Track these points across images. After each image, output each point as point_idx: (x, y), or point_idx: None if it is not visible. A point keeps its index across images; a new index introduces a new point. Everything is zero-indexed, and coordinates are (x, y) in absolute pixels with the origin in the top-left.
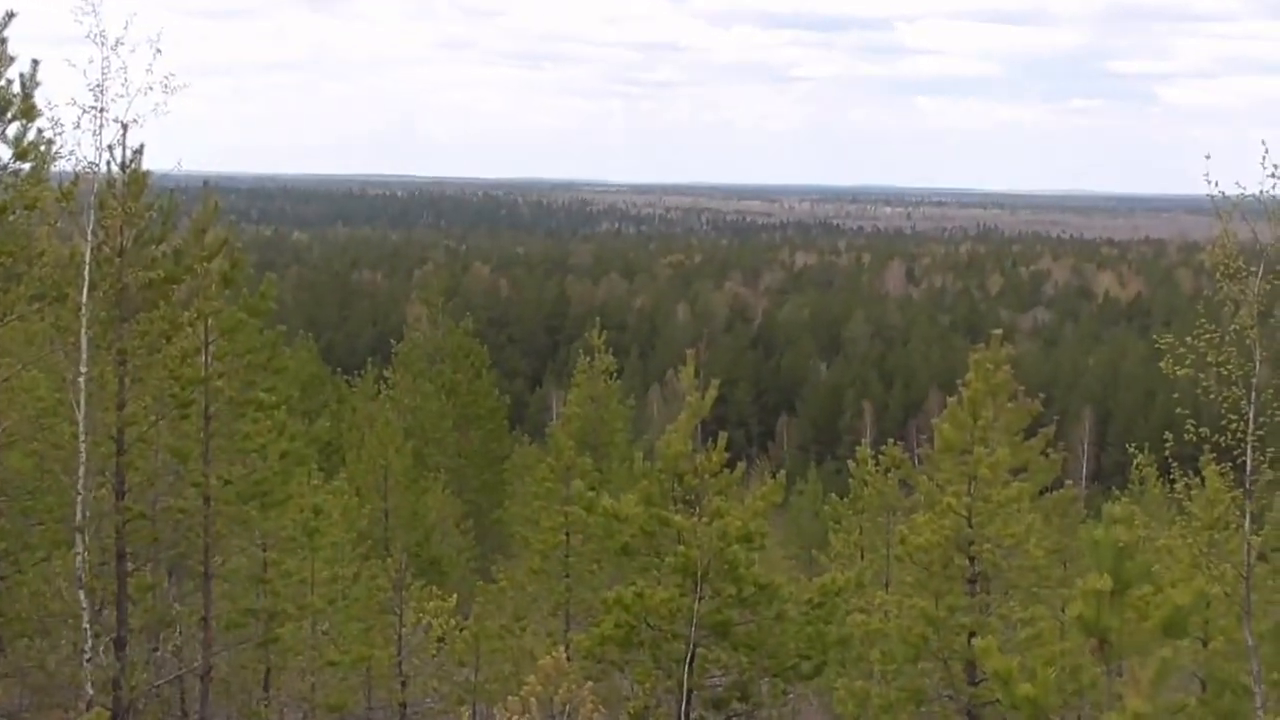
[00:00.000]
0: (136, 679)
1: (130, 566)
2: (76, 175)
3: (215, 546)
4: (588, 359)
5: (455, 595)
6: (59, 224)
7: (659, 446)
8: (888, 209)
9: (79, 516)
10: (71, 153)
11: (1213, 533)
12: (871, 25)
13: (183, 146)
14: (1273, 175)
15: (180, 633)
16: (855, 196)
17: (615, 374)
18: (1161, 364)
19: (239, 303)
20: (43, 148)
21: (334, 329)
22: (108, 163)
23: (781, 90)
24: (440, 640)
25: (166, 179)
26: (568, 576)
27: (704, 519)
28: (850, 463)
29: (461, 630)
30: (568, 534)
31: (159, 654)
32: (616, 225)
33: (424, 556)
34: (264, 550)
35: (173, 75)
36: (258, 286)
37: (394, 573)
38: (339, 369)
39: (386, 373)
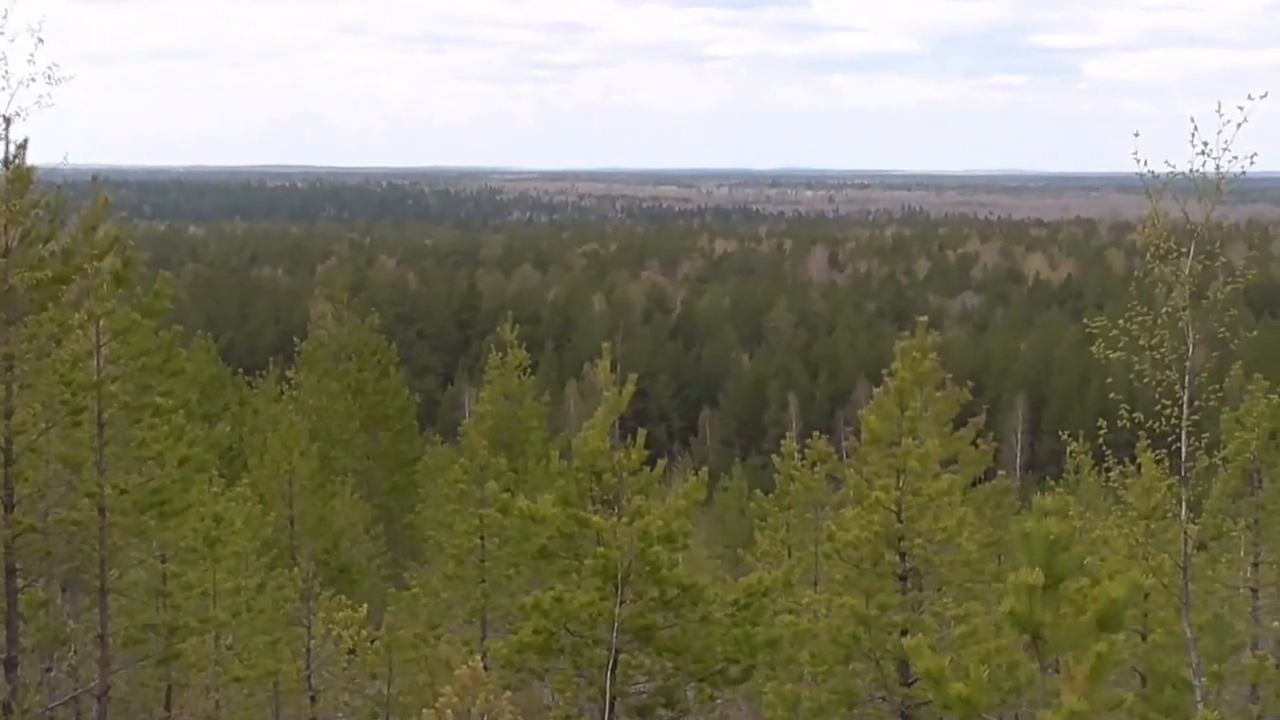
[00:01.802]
0: (29, 701)
1: (21, 583)
2: None
3: (111, 559)
4: (500, 354)
5: (366, 604)
6: None
7: (576, 444)
8: (809, 193)
9: None
10: None
11: (1149, 522)
12: (787, 1)
13: (70, 140)
14: (1203, 153)
15: (75, 651)
16: (775, 180)
17: (529, 369)
18: (1093, 348)
19: (132, 303)
20: None
21: (233, 328)
22: None
23: (695, 71)
24: (351, 652)
25: (53, 174)
26: (483, 582)
27: (624, 519)
28: (775, 457)
29: (373, 641)
30: (483, 537)
31: (53, 674)
32: (528, 214)
33: (332, 564)
34: (163, 562)
35: (57, 65)
36: (152, 285)
37: (301, 582)
38: (239, 370)
39: (290, 373)
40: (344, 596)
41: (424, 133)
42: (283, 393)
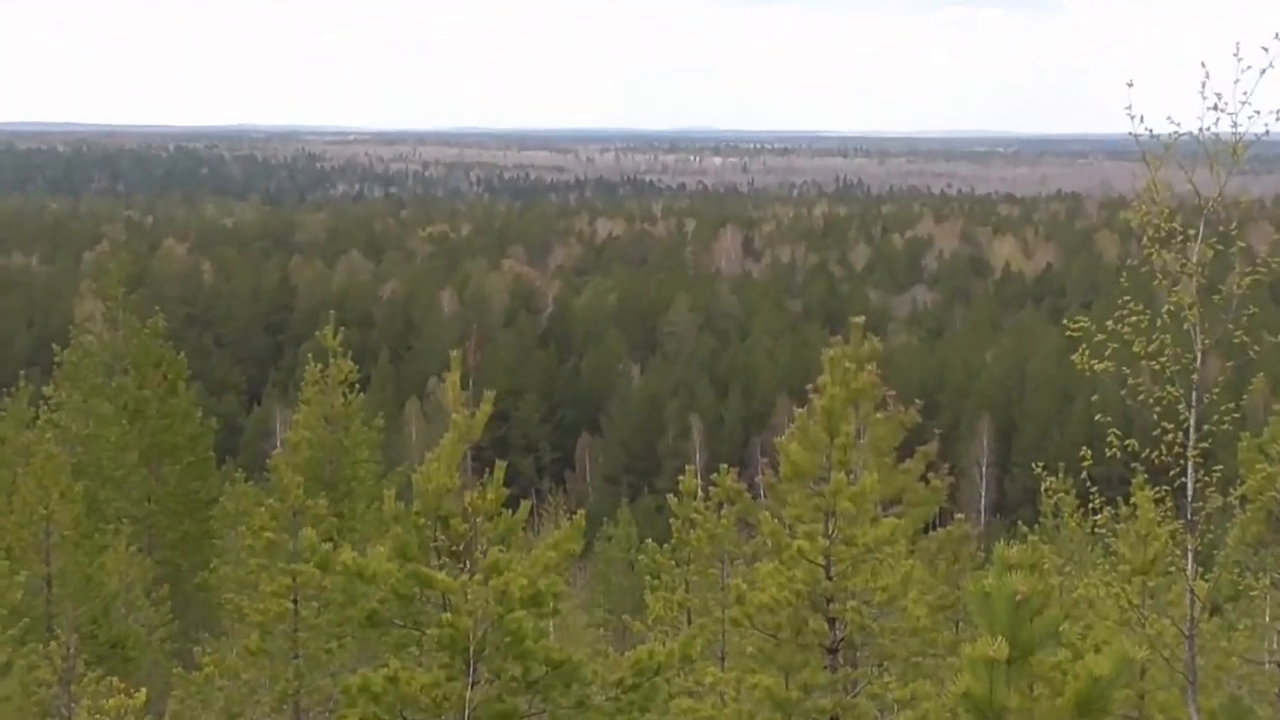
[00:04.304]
0: None
1: None
2: None
3: None
4: (320, 366)
5: (145, 688)
6: None
7: (417, 481)
8: (717, 159)
9: None
10: None
11: (1146, 579)
12: None
13: None
14: (1215, 108)
15: None
16: (674, 144)
17: (358, 386)
18: (1076, 357)
19: None
20: None
21: None
22: None
23: (570, 5)
24: None
25: None
26: (297, 658)
27: (478, 577)
28: (673, 497)
29: None
30: (296, 601)
31: None
32: (356, 187)
33: (102, 637)
34: None
35: None
36: None
37: (60, 660)
38: None
39: (47, 390)
40: (116, 678)
41: (224, 84)
42: (38, 416)
